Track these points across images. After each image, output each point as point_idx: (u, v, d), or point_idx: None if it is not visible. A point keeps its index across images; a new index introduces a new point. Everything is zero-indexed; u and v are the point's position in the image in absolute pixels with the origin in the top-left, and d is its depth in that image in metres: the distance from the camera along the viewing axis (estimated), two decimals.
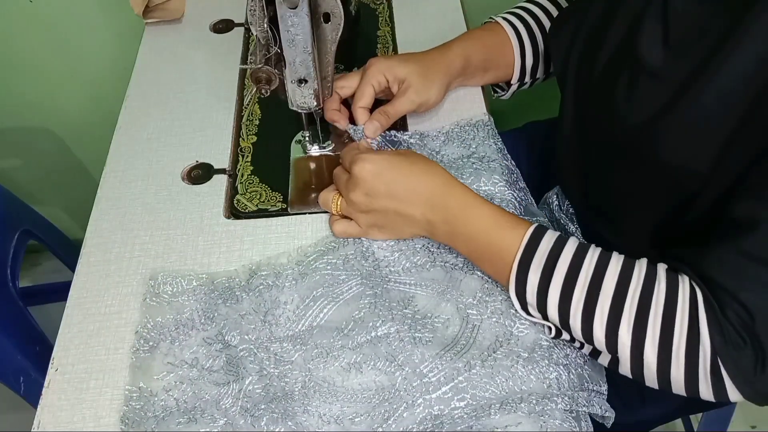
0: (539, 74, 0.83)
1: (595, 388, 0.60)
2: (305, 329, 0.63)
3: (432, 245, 0.68)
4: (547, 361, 0.59)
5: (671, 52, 0.57)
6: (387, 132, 0.77)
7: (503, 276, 0.60)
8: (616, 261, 0.56)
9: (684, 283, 0.54)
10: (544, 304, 0.57)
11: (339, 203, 0.67)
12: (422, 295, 0.64)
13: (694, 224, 0.59)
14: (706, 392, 0.53)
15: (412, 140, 0.78)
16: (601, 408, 0.59)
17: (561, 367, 0.59)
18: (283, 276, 0.66)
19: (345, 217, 0.68)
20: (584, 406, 0.58)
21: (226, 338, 0.62)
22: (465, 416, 0.57)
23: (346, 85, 0.76)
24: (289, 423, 0.57)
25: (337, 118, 0.75)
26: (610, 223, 0.59)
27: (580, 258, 0.56)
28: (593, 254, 0.57)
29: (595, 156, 0.68)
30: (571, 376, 0.59)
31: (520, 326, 0.61)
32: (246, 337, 0.62)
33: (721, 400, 0.52)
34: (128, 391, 0.60)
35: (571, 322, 0.56)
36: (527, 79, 0.82)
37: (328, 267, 0.67)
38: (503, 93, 0.85)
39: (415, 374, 0.59)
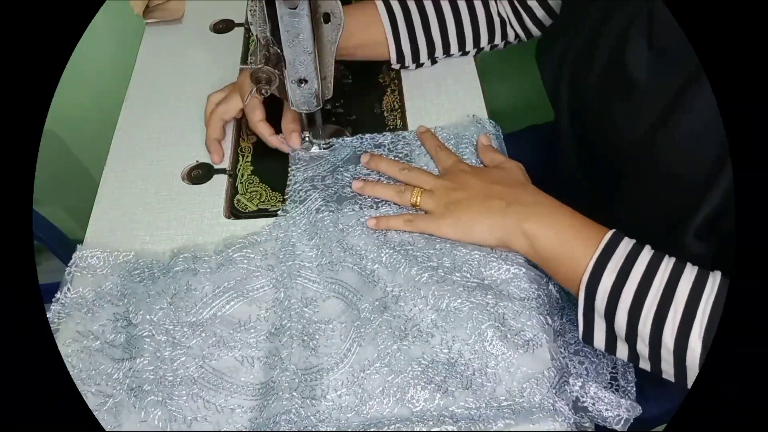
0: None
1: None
2: (208, 317, 0.64)
3: (357, 247, 0.67)
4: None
5: (659, 64, 0.57)
6: (396, 133, 0.78)
7: (574, 277, 0.60)
8: (690, 270, 0.56)
9: None
10: (614, 307, 0.57)
11: (420, 193, 0.68)
12: (326, 297, 0.65)
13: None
14: None
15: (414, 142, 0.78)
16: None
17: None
18: (201, 262, 0.67)
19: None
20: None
21: (130, 316, 0.64)
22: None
23: (229, 108, 0.78)
24: (170, 407, 0.58)
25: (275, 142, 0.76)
26: None
27: (655, 265, 0.57)
28: (668, 262, 0.57)
29: (597, 173, 0.68)
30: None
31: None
32: (148, 317, 0.63)
33: None
34: None
35: (640, 327, 0.56)
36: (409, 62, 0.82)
37: (245, 261, 0.67)
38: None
39: (296, 374, 0.59)
